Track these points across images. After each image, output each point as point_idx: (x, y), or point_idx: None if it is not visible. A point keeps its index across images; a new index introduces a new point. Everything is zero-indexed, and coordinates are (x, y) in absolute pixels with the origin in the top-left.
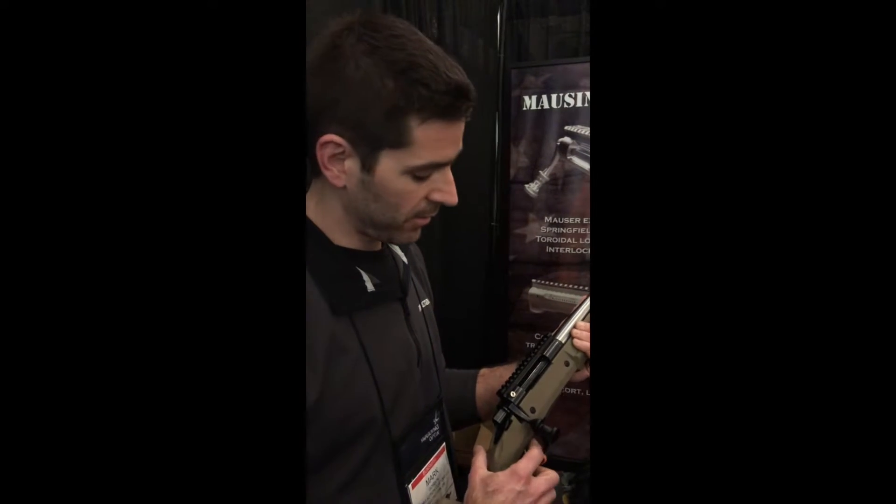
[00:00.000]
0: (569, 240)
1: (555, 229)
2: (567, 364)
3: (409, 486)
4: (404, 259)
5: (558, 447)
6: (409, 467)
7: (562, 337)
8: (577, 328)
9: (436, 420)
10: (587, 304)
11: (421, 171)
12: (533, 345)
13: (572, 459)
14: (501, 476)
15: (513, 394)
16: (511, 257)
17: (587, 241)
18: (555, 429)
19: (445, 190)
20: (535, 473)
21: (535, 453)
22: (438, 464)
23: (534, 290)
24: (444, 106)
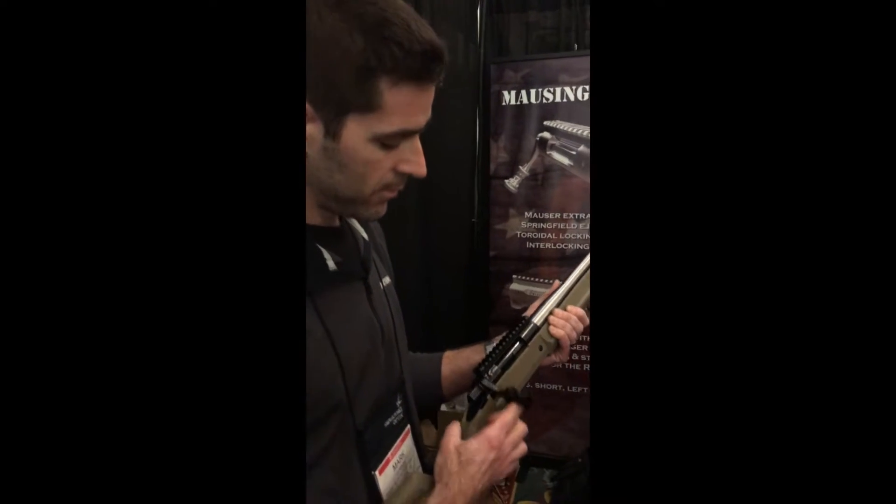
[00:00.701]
0: (549, 235)
1: (535, 224)
2: (541, 348)
3: (376, 472)
4: (364, 235)
5: (540, 444)
6: (375, 453)
7: (538, 320)
8: (554, 315)
9: (399, 402)
10: (563, 288)
11: (390, 138)
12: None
13: (554, 456)
14: (474, 444)
15: (490, 372)
16: (492, 253)
17: (567, 236)
18: (528, 394)
19: (414, 161)
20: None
21: (508, 419)
22: (404, 447)
23: (514, 286)
24: (417, 68)
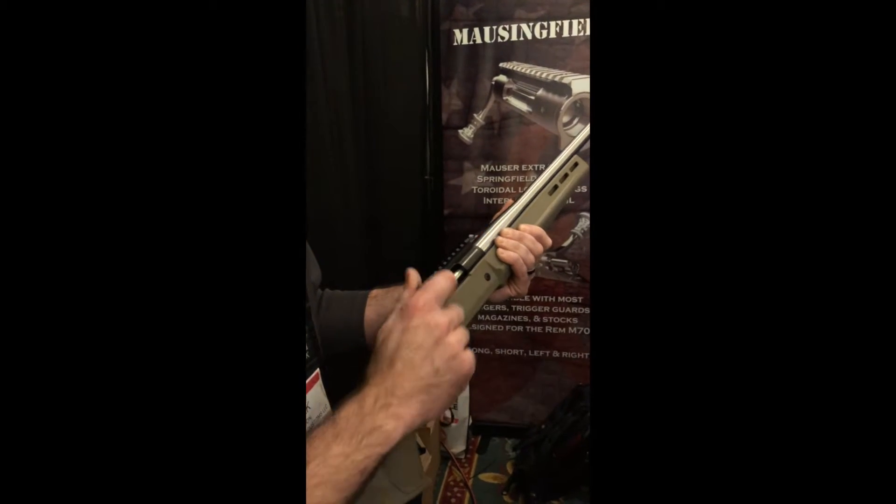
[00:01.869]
0: (507, 189)
1: (492, 178)
2: (488, 277)
3: None
4: None
5: (501, 413)
6: None
7: (483, 244)
8: (503, 236)
9: None
10: (516, 206)
11: None
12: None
13: (516, 425)
14: (390, 318)
15: None
16: (446, 211)
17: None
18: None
19: None
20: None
21: (437, 278)
22: (309, 398)
23: None
24: None
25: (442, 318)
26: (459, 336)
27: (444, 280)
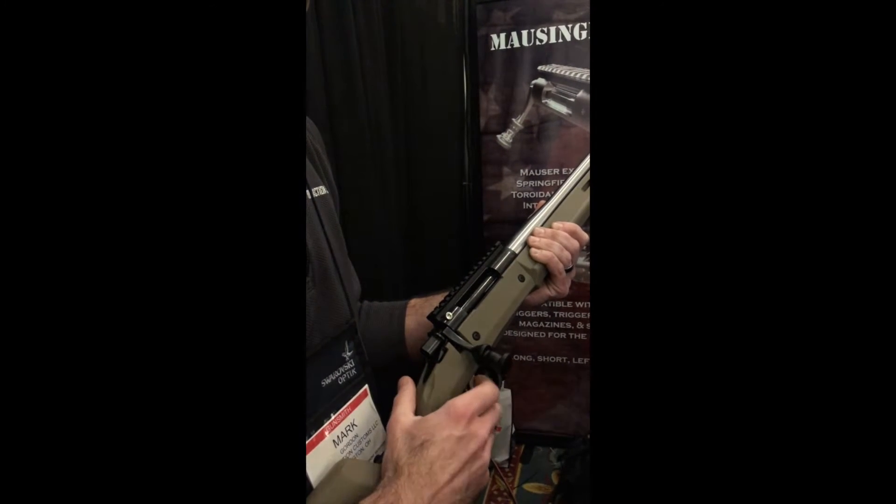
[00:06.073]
0: (548, 193)
1: (532, 182)
2: (522, 279)
3: None
4: None
5: (545, 422)
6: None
7: (515, 246)
8: (535, 235)
9: (348, 354)
10: (546, 208)
11: None
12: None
13: (561, 434)
14: (433, 419)
15: (448, 315)
16: (485, 217)
17: None
18: (505, 355)
19: None
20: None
21: (486, 389)
22: (356, 415)
23: None
24: None
25: (483, 431)
26: (489, 445)
27: (490, 390)
